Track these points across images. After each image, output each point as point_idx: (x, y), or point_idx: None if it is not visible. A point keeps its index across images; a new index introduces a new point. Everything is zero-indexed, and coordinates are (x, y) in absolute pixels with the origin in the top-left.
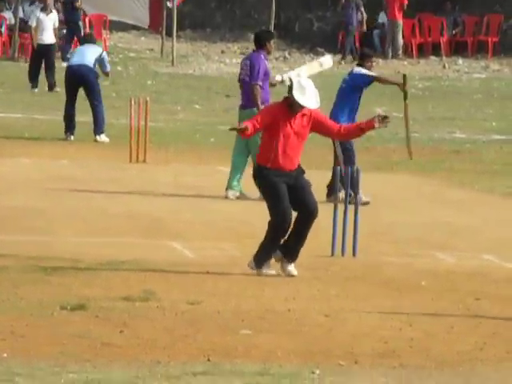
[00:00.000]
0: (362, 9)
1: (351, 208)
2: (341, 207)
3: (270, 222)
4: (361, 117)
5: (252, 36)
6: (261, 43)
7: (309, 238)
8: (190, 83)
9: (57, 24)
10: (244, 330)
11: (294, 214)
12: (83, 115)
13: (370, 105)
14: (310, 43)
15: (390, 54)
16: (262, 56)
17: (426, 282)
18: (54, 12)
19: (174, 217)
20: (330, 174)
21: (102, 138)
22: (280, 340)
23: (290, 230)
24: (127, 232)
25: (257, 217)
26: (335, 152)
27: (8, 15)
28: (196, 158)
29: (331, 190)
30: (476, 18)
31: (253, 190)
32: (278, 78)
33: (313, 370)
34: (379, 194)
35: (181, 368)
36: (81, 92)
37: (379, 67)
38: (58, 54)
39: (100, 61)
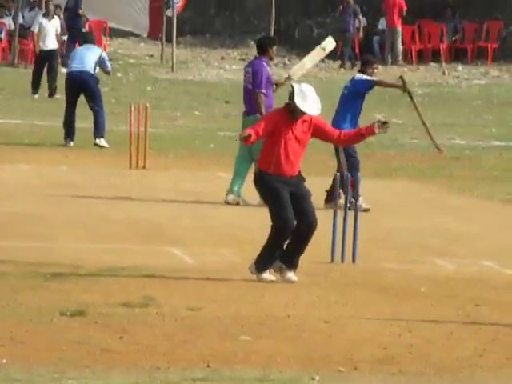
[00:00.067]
0: (360, 16)
1: (351, 214)
2: (340, 213)
3: (272, 228)
4: (361, 123)
5: (252, 42)
6: (263, 49)
7: (309, 244)
8: (190, 89)
9: (59, 30)
10: (244, 336)
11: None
12: (83, 121)
13: (370, 111)
14: (310, 49)
15: (390, 61)
16: (264, 63)
17: (426, 288)
18: (56, 18)
19: (174, 223)
20: (330, 180)
21: (102, 142)
22: (280, 346)
23: (290, 237)
24: (127, 238)
25: (256, 223)
26: (338, 158)
27: (8, 21)
28: (196, 164)
29: (331, 196)
30: (476, 25)
31: (253, 196)
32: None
33: (312, 376)
34: (379, 201)
35: (180, 374)
36: (81, 98)
37: (379, 74)
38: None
39: (100, 62)
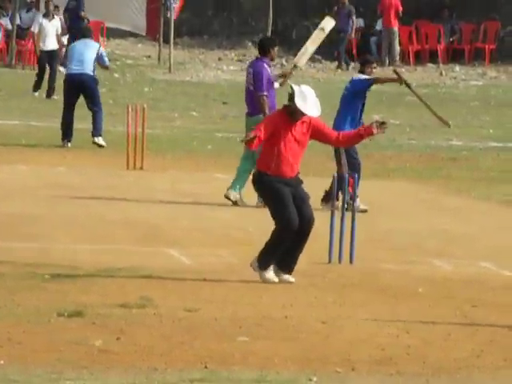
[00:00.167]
0: (354, 17)
1: (348, 215)
2: (338, 214)
3: (275, 228)
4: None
5: (249, 43)
6: (265, 50)
7: (306, 245)
8: (187, 90)
9: (59, 30)
10: (241, 337)
11: None
12: (80, 122)
13: (368, 112)
14: None
15: (387, 61)
16: (265, 64)
17: (423, 289)
18: (57, 18)
19: (171, 224)
20: (328, 182)
21: (100, 140)
22: (277, 347)
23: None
24: (124, 239)
25: (254, 224)
26: (337, 160)
27: (5, 22)
28: (193, 165)
29: (328, 196)
30: (473, 26)
31: (250, 197)
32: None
33: (310, 377)
34: (376, 201)
35: (178, 375)
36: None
37: (377, 74)
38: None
39: (98, 58)
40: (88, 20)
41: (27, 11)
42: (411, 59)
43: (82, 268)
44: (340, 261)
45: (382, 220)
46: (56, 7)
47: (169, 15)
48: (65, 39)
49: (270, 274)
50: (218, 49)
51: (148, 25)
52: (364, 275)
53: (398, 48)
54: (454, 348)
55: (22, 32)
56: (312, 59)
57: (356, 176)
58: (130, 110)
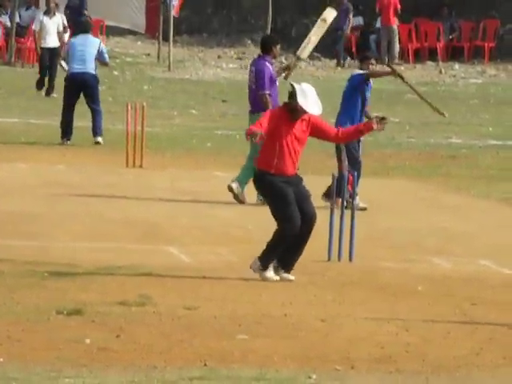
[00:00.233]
0: (351, 15)
1: (348, 213)
2: (337, 212)
3: (278, 227)
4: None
5: (249, 41)
6: (267, 48)
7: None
8: (187, 88)
9: (61, 27)
10: (240, 335)
11: None
12: (80, 120)
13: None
14: None
15: (387, 59)
16: (267, 62)
17: (423, 287)
18: (58, 15)
19: (171, 222)
20: (327, 180)
21: (100, 139)
22: (276, 345)
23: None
24: (124, 237)
25: (253, 222)
26: (339, 156)
27: (4, 20)
28: (192, 163)
29: (330, 192)
30: (472, 24)
31: (250, 196)
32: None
33: (309, 375)
34: (375, 199)
35: (177, 373)
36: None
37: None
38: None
39: (99, 54)
40: (90, 18)
41: (26, 9)
42: (410, 57)
43: (82, 266)
44: (339, 259)
45: (381, 218)
46: (56, 5)
47: (176, 14)
48: (67, 37)
49: (270, 272)
50: (218, 47)
51: (147, 23)
52: (363, 273)
53: (397, 46)
54: (453, 346)
55: (22, 30)
56: (311, 57)
57: (355, 174)
58: (129, 108)
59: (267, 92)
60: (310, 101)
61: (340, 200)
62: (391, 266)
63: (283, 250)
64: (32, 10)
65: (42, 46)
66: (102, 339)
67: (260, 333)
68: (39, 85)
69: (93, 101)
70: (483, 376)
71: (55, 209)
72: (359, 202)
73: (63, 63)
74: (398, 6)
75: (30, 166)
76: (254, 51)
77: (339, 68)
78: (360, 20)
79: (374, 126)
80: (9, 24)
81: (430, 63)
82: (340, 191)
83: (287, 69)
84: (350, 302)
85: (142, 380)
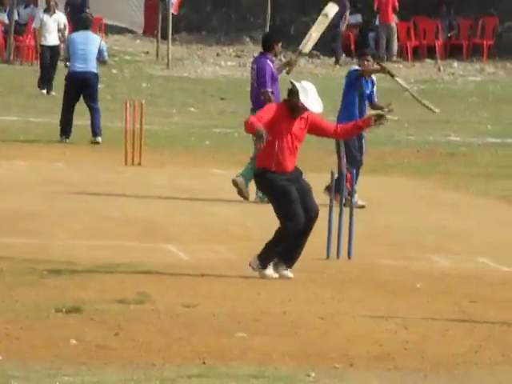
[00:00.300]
0: (347, 12)
1: (346, 210)
2: (336, 210)
3: (281, 225)
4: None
5: (247, 39)
6: (268, 46)
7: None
8: (185, 86)
9: (61, 25)
10: (239, 333)
11: None
12: (79, 118)
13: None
14: None
15: (385, 57)
16: (268, 60)
17: (422, 284)
18: (58, 13)
19: (169, 219)
20: (326, 177)
21: (100, 139)
22: (275, 342)
23: None
24: (122, 235)
25: (252, 219)
26: (338, 153)
27: (3, 17)
28: (191, 161)
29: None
30: (471, 21)
31: (250, 194)
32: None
33: (308, 373)
34: (374, 197)
35: (176, 371)
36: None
37: None
38: None
39: (99, 52)
40: (92, 16)
41: (25, 7)
42: (409, 55)
43: (81, 264)
44: (338, 256)
45: (380, 216)
46: (55, 3)
47: (175, 12)
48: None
49: (269, 270)
50: (216, 45)
51: (146, 21)
52: (362, 271)
53: (396, 44)
54: (452, 343)
55: (20, 28)
56: (310, 55)
57: (354, 171)
58: (128, 105)
59: (269, 89)
60: (311, 98)
61: (339, 196)
62: (390, 263)
63: (285, 246)
64: (31, 7)
65: (42, 43)
66: (100, 337)
67: (259, 330)
68: (41, 83)
69: (92, 99)
70: (482, 373)
71: (54, 207)
72: (358, 199)
73: (68, 64)
74: (396, 4)
75: (29, 163)
76: (253, 49)
77: (338, 66)
78: (358, 18)
79: (373, 123)
80: (7, 22)
81: (428, 61)
82: (339, 189)
83: (288, 64)
84: (348, 300)
85: (140, 378)
